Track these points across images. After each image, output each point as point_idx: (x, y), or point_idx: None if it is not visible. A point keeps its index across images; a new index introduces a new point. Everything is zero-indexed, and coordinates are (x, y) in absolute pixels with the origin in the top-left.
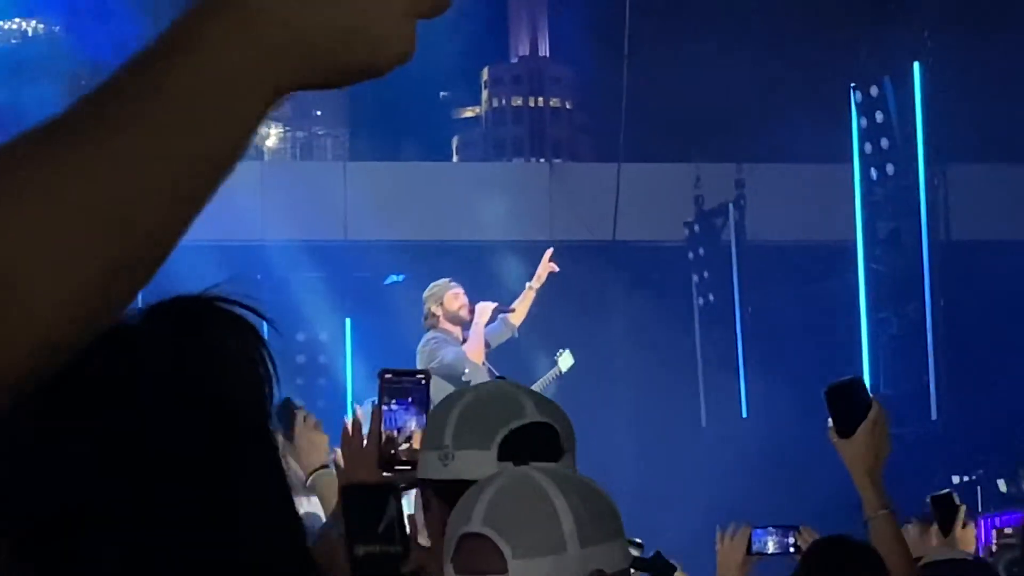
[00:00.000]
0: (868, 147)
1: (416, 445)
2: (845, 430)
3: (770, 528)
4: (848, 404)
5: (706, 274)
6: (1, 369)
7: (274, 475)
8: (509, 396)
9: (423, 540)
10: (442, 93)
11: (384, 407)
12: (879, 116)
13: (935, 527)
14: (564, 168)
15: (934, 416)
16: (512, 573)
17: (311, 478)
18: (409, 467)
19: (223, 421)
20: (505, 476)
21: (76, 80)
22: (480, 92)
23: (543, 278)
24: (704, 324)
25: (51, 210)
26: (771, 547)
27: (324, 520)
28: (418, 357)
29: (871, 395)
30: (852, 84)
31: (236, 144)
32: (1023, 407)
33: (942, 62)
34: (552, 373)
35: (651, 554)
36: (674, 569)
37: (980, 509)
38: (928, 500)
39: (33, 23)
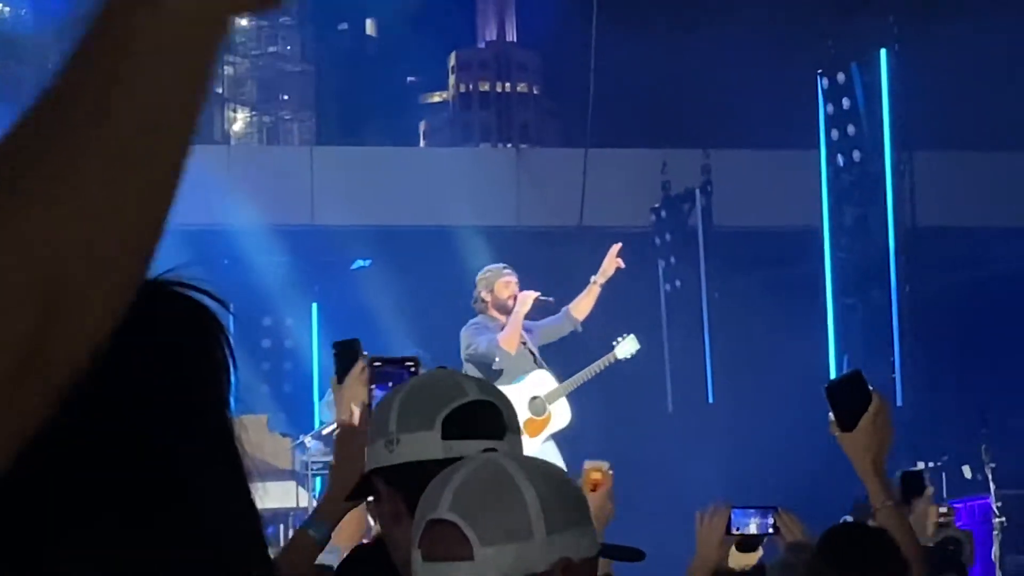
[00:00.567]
0: (835, 133)
1: None
2: (847, 423)
3: (749, 509)
4: (849, 399)
5: (673, 260)
6: (62, 365)
7: (228, 462)
8: (450, 379)
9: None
10: (409, 78)
11: (375, 391)
12: (846, 103)
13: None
14: (531, 153)
15: (899, 402)
16: (477, 559)
17: (338, 429)
18: None
19: (176, 406)
20: (474, 462)
21: (45, 63)
22: (447, 77)
23: (608, 273)
24: (671, 310)
25: (82, 208)
26: (750, 527)
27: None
28: (461, 339)
29: (871, 388)
30: (819, 71)
31: (204, 84)
32: (988, 393)
33: (909, 49)
34: (606, 359)
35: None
36: (643, 555)
37: (945, 495)
38: (899, 474)
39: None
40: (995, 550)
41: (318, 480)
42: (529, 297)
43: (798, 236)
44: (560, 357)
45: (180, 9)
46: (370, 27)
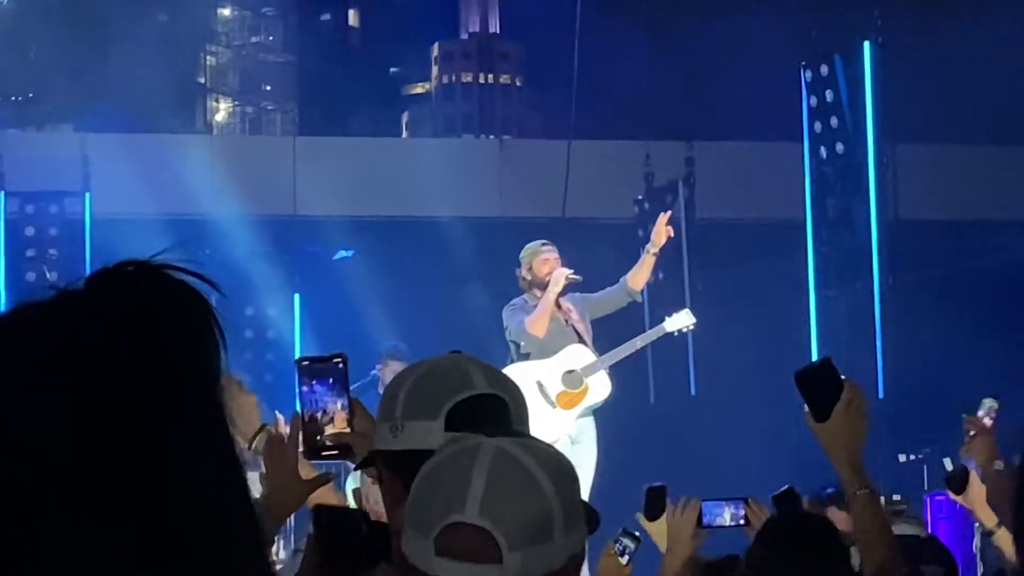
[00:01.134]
0: (818, 126)
1: (339, 427)
2: (820, 414)
3: (720, 501)
4: (820, 387)
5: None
6: None
7: (220, 442)
8: (460, 369)
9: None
10: (392, 69)
11: (305, 388)
12: (829, 95)
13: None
14: (514, 145)
15: (881, 395)
16: (505, 563)
17: (254, 443)
18: (336, 451)
19: (169, 386)
20: (493, 459)
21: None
22: (430, 68)
23: (660, 243)
24: (653, 302)
25: None
26: (721, 519)
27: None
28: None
29: (843, 375)
30: (802, 63)
31: None
32: (970, 386)
33: (892, 41)
34: (654, 332)
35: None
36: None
37: (927, 487)
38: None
39: None
40: (976, 541)
41: None
42: (560, 276)
43: (781, 228)
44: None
45: None
46: (353, 18)
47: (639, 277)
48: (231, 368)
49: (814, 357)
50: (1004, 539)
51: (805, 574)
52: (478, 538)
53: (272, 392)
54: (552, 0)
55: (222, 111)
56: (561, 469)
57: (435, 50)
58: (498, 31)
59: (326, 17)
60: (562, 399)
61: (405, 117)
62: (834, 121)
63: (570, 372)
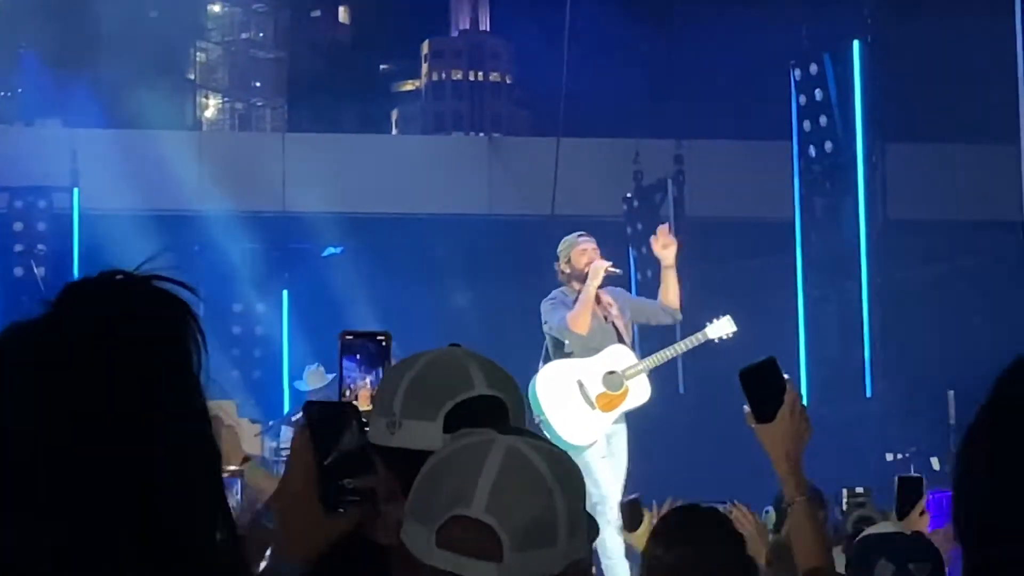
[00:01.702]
0: (807, 124)
1: (362, 404)
2: (763, 415)
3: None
4: (763, 387)
5: (644, 249)
6: None
7: (198, 444)
8: (460, 367)
9: None
10: (382, 66)
11: (345, 361)
12: (818, 94)
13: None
14: (503, 142)
15: (869, 394)
16: (506, 562)
17: (243, 475)
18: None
19: (145, 392)
20: (505, 457)
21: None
22: (420, 65)
23: (671, 258)
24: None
25: None
26: None
27: None
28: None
29: (785, 377)
30: (792, 61)
31: None
32: (957, 386)
33: (882, 40)
34: (695, 337)
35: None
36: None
37: None
38: (896, 480)
39: None
40: None
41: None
42: (600, 269)
43: (770, 227)
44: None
45: None
46: (343, 14)
47: (669, 295)
48: (221, 383)
49: (803, 355)
50: None
51: (700, 564)
52: (481, 533)
53: (260, 388)
54: None
55: (211, 107)
56: (570, 474)
57: (425, 47)
58: (488, 29)
59: (316, 14)
60: (601, 400)
61: (395, 114)
62: (823, 120)
63: (611, 373)
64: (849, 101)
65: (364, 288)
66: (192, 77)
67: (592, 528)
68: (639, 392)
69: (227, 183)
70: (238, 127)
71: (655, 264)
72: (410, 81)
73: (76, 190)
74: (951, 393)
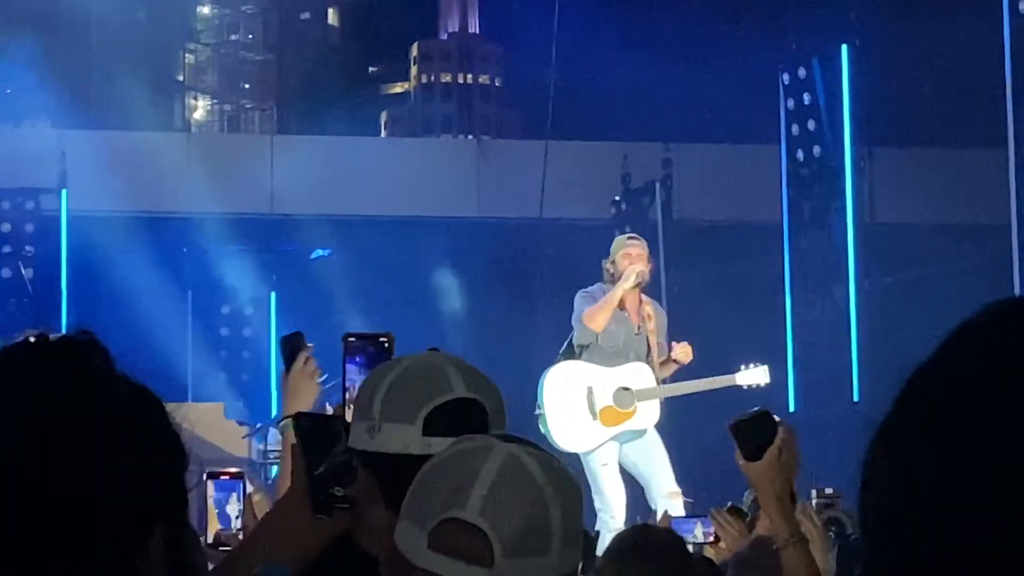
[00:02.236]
0: (795, 128)
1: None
2: (752, 455)
3: (689, 518)
4: (755, 435)
5: None
6: None
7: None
8: (437, 370)
9: None
10: (371, 68)
11: (347, 365)
12: (806, 98)
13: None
14: (492, 145)
15: (856, 398)
16: (496, 569)
17: (283, 422)
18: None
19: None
20: (502, 463)
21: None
22: (409, 68)
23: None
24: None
25: None
26: (692, 536)
27: None
28: None
29: (778, 421)
30: (780, 65)
31: None
32: None
33: (870, 45)
34: (723, 380)
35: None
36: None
37: None
38: None
39: None
40: None
41: (274, 468)
42: (632, 273)
43: (758, 230)
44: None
45: None
46: (332, 16)
47: (664, 368)
48: (206, 365)
49: (790, 359)
50: None
51: None
52: (473, 538)
53: (248, 390)
54: (532, 1)
55: (200, 109)
56: (568, 486)
57: (414, 50)
58: (477, 32)
59: (306, 16)
60: (605, 414)
61: (384, 116)
62: (811, 124)
63: (625, 390)
64: (837, 105)
65: (352, 290)
66: (181, 79)
67: (588, 545)
68: (647, 416)
69: (216, 185)
70: (227, 129)
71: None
72: (399, 83)
73: (65, 192)
74: None
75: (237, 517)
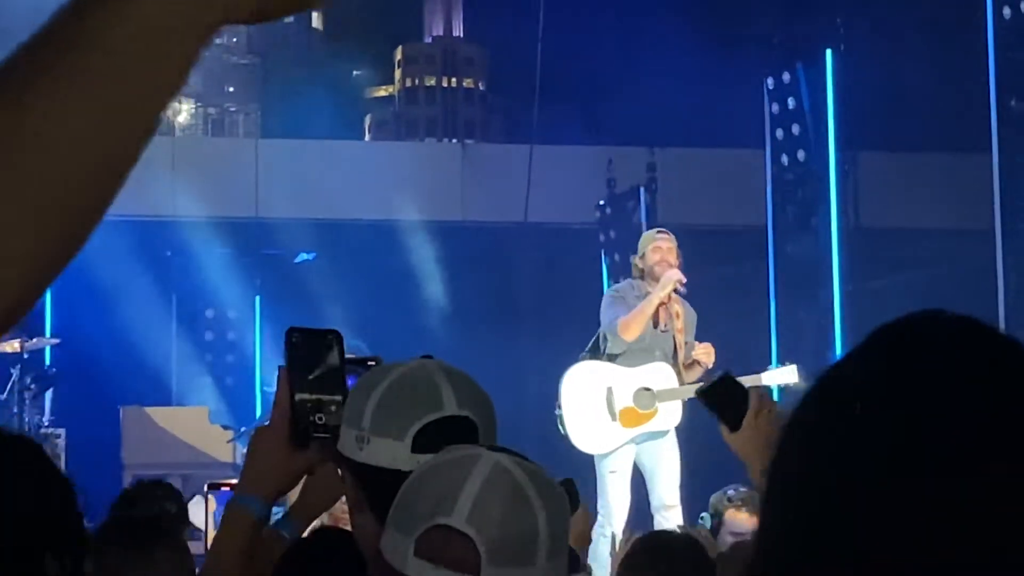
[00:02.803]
0: (780, 133)
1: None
2: (733, 425)
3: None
4: (725, 401)
5: (617, 257)
6: None
7: None
8: (430, 384)
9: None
10: (355, 71)
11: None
12: (791, 102)
13: None
14: (476, 149)
15: None
16: None
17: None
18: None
19: None
20: (490, 471)
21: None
22: (393, 71)
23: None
24: None
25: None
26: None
27: None
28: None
29: (746, 387)
30: (765, 70)
31: (173, 84)
32: None
33: (854, 50)
34: (751, 378)
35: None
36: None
37: None
38: None
39: None
40: None
41: None
42: (670, 281)
43: (743, 235)
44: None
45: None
46: (316, 20)
47: (689, 371)
48: (191, 369)
49: (774, 364)
50: None
51: None
52: (460, 545)
53: (232, 394)
54: (516, 5)
55: (184, 112)
56: (556, 497)
57: (398, 53)
58: (461, 35)
59: (289, 19)
60: (625, 416)
61: (368, 120)
62: (796, 128)
63: (646, 390)
64: (821, 110)
65: (337, 294)
66: None
67: (573, 560)
68: (669, 416)
69: (200, 188)
70: (211, 132)
71: (628, 271)
72: (383, 87)
73: None
74: None
75: None
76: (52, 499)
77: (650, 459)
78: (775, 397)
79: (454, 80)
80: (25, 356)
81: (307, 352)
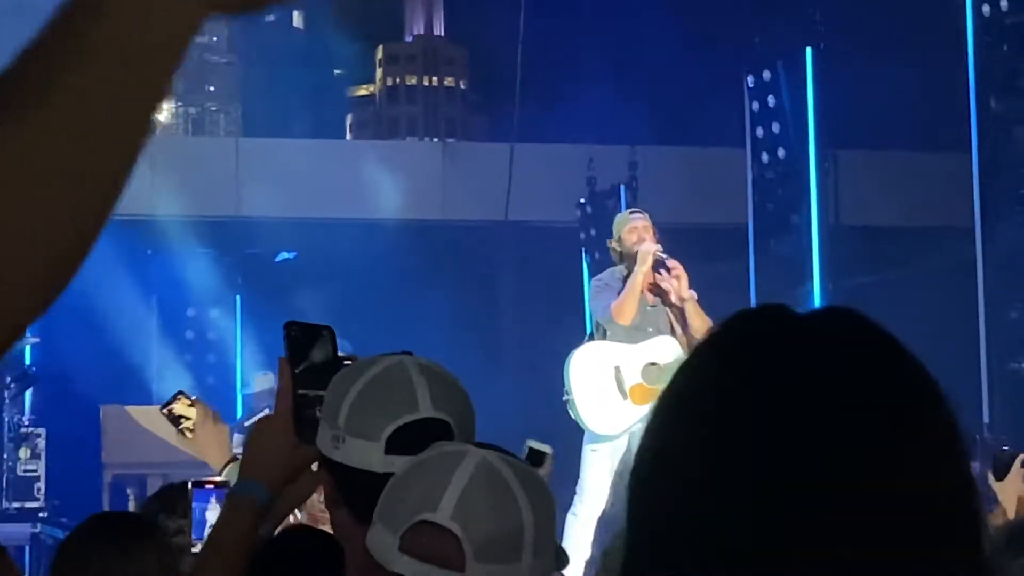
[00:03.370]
0: (760, 131)
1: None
2: None
3: None
4: None
5: (598, 255)
6: None
7: None
8: (406, 384)
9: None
10: (336, 71)
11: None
12: (771, 100)
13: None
14: (457, 147)
15: None
16: (468, 573)
17: (225, 471)
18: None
19: None
20: (476, 467)
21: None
22: (374, 70)
23: (680, 291)
24: None
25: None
26: None
27: None
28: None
29: None
30: (745, 68)
31: (166, 75)
32: None
33: (834, 48)
34: None
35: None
36: (543, 456)
37: None
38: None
39: None
40: None
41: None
42: (648, 254)
43: (723, 233)
44: None
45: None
46: (297, 19)
47: (695, 325)
48: (172, 368)
49: None
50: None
51: None
52: (445, 541)
53: (213, 393)
54: (497, 4)
55: (164, 111)
56: (542, 494)
57: (379, 52)
58: (443, 34)
59: (270, 18)
60: (635, 392)
61: (349, 119)
62: (776, 126)
63: (652, 365)
64: (802, 108)
65: (317, 293)
66: None
67: (561, 558)
68: None
69: (180, 187)
70: (191, 131)
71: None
72: (364, 86)
73: None
74: None
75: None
76: None
77: None
78: None
79: (435, 79)
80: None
81: (305, 346)
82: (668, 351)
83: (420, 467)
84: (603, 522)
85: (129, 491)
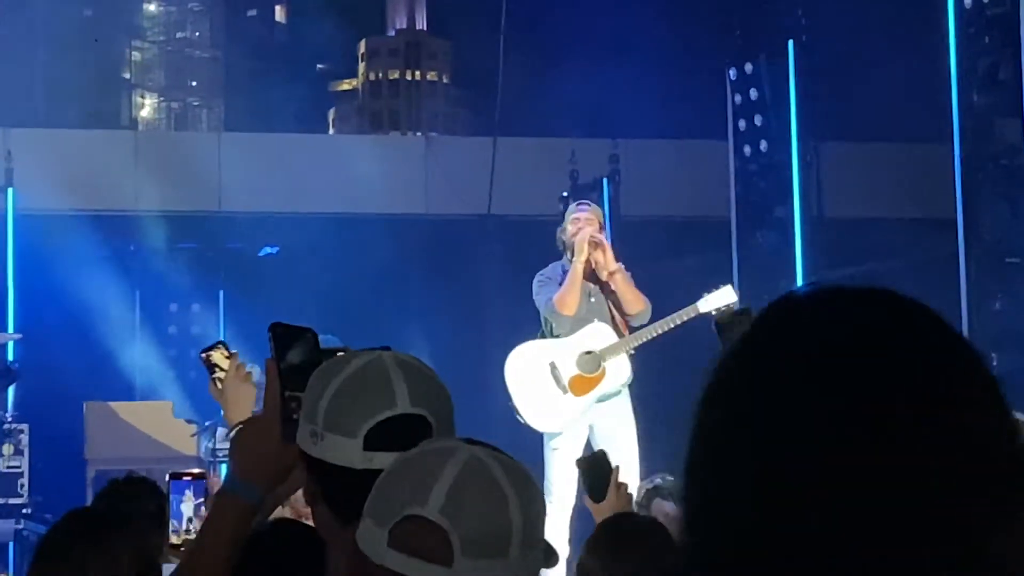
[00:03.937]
0: (742, 124)
1: None
2: (597, 496)
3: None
4: (596, 472)
5: None
6: None
7: None
8: (384, 381)
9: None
10: (318, 65)
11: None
12: (753, 93)
13: None
14: (440, 141)
15: None
16: (455, 568)
17: (234, 430)
18: None
19: None
20: (465, 463)
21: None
22: (357, 65)
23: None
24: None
25: None
26: None
27: None
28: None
29: (614, 465)
30: (727, 61)
31: None
32: None
33: (816, 40)
34: (685, 312)
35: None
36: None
37: None
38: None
39: None
40: None
41: (223, 467)
42: (583, 242)
43: (705, 226)
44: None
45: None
46: (279, 14)
47: (628, 301)
48: (155, 363)
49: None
50: None
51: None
52: (433, 535)
53: (196, 389)
54: None
55: (147, 106)
56: (531, 490)
57: (362, 47)
58: (425, 28)
59: (252, 13)
60: (575, 384)
61: (332, 113)
62: (758, 119)
63: (588, 353)
64: (784, 101)
65: (301, 288)
66: (128, 76)
67: (550, 555)
68: (617, 373)
69: (163, 182)
70: (174, 126)
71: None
72: (347, 80)
73: (11, 190)
74: None
75: (190, 519)
76: None
77: (606, 442)
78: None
79: (417, 73)
80: None
81: (290, 347)
82: (602, 337)
83: (409, 463)
84: (576, 515)
85: None
